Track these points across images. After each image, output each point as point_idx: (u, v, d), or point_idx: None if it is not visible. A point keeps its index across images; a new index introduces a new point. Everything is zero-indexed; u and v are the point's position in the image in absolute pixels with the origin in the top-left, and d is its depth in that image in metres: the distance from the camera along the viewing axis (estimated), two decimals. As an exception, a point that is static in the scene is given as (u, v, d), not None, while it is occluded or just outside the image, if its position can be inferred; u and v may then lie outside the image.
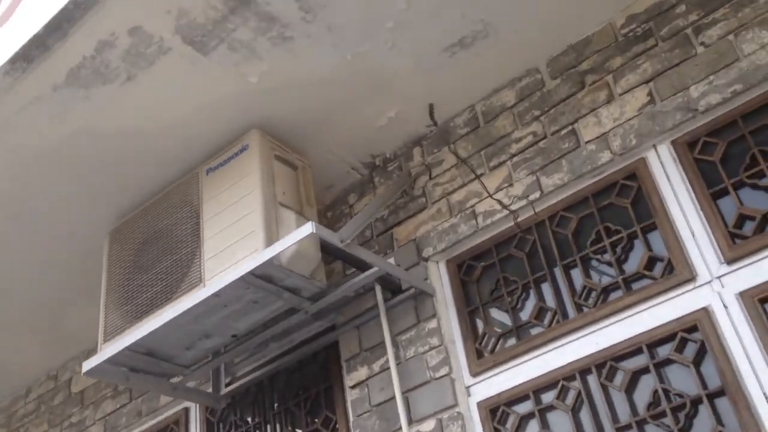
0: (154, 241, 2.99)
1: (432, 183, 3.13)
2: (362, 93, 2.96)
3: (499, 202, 2.85)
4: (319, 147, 3.18)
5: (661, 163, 2.60)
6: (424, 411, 2.74)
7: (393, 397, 2.80)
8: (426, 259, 3.01)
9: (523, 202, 2.80)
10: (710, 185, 2.47)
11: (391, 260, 3.05)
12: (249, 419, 3.39)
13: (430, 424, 2.71)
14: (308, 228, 2.49)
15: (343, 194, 3.45)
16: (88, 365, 2.87)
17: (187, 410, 3.65)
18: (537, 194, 2.79)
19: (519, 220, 2.83)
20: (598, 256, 2.65)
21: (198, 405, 3.60)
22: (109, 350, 2.84)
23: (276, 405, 3.32)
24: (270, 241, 2.64)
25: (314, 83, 2.85)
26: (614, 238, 2.62)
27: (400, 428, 2.70)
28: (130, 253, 3.06)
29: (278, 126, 2.99)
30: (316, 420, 3.14)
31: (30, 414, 4.34)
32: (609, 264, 2.61)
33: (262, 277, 2.66)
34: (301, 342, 3.19)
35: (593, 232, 2.68)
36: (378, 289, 2.95)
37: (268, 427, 3.30)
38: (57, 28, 2.33)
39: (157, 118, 2.82)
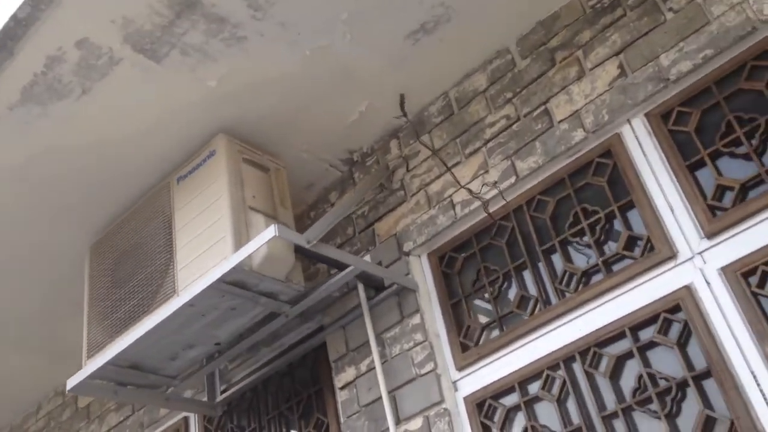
0: (131, 253, 2.96)
1: (410, 175, 3.05)
2: (328, 88, 2.88)
3: (470, 191, 2.75)
4: (293, 146, 3.11)
5: (636, 137, 2.49)
6: (412, 409, 2.67)
7: (380, 397, 2.74)
8: (407, 254, 2.93)
9: (495, 191, 2.70)
10: (686, 157, 2.36)
11: (368, 258, 2.98)
12: (245, 425, 3.36)
13: (418, 422, 2.64)
14: (271, 231, 2.43)
15: (324, 193, 3.38)
16: (71, 382, 2.85)
17: (186, 419, 3.63)
18: (513, 179, 2.70)
19: (495, 208, 2.73)
20: (577, 239, 2.55)
21: (196, 413, 3.58)
22: (91, 366, 2.82)
23: (270, 410, 3.28)
24: (239, 246, 2.59)
25: (276, 82, 2.78)
26: (592, 219, 2.52)
27: (388, 429, 2.64)
28: (109, 267, 3.03)
29: (246, 128, 2.92)
30: (310, 423, 3.09)
31: (41, 431, 4.37)
32: (588, 246, 2.51)
33: (235, 283, 2.61)
34: (291, 345, 3.15)
35: (571, 214, 2.58)
36: (360, 287, 2.89)
37: (264, 432, 3.27)
38: (2, 47, 2.30)
39: (120, 129, 2.78)
